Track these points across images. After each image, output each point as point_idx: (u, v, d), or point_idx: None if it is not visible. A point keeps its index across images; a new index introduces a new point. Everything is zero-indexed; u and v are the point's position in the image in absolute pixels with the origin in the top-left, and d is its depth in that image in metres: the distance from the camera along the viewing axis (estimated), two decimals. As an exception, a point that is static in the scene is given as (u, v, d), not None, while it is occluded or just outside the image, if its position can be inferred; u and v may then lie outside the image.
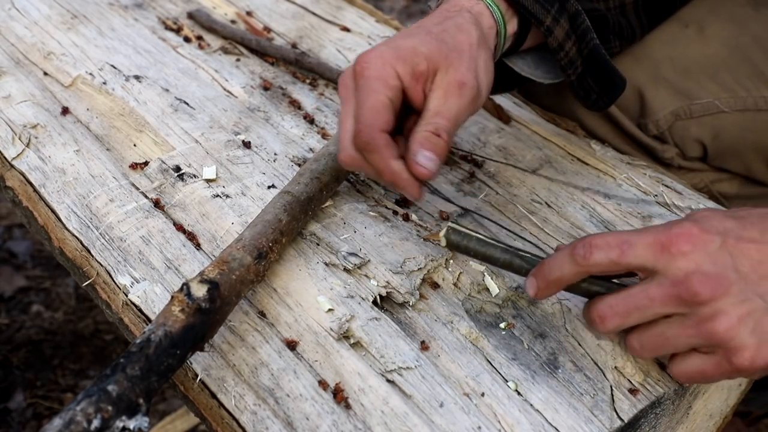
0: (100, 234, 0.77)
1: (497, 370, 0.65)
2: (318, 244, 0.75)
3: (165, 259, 0.74)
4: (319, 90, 0.99)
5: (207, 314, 0.60)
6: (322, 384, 0.63)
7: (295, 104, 0.96)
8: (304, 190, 0.74)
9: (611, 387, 0.64)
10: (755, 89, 0.91)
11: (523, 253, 0.66)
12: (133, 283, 0.72)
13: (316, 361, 0.65)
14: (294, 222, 0.72)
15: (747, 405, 1.43)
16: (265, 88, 0.98)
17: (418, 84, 0.69)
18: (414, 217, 0.79)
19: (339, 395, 0.62)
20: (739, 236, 0.58)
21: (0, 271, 1.70)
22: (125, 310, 0.71)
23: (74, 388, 1.49)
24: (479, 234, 0.67)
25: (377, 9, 1.20)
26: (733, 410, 0.77)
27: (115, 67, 0.99)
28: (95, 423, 0.51)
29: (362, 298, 0.70)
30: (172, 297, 0.60)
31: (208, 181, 0.82)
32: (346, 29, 1.12)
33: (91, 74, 0.98)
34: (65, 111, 0.92)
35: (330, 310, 0.68)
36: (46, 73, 0.98)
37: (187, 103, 0.94)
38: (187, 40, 1.07)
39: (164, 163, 0.85)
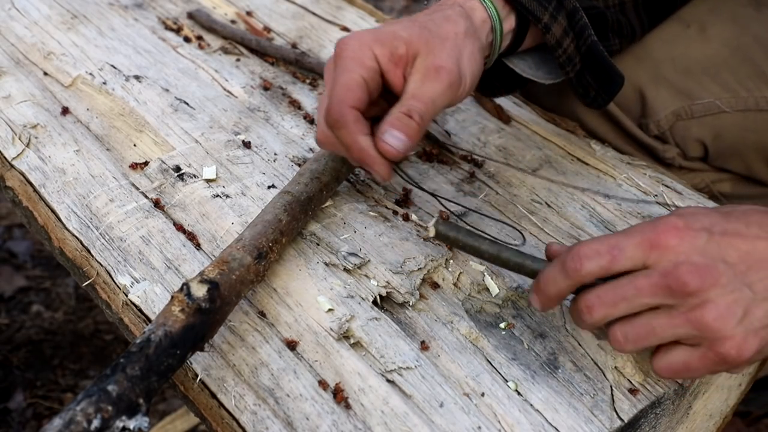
0: (100, 234, 0.77)
1: (497, 370, 0.65)
2: (318, 244, 0.75)
3: (165, 259, 0.74)
4: (319, 90, 0.99)
5: (207, 314, 0.60)
6: (322, 384, 0.63)
7: (295, 104, 0.96)
8: (304, 190, 0.74)
9: (611, 387, 0.64)
10: (756, 89, 0.91)
11: (510, 246, 0.66)
12: (133, 283, 0.72)
13: (316, 361, 0.65)
14: (294, 222, 0.72)
15: (747, 405, 1.43)
16: (265, 88, 0.98)
17: (397, 68, 0.69)
18: (414, 217, 0.79)
19: (339, 395, 0.62)
20: (724, 229, 0.58)
21: (0, 271, 1.70)
22: (125, 310, 0.71)
23: (74, 388, 1.49)
24: (468, 226, 0.67)
25: (377, 9, 1.20)
26: (733, 410, 0.77)
27: (115, 67, 0.99)
28: (95, 423, 0.51)
29: (362, 298, 0.70)
30: (172, 297, 0.60)
31: (208, 181, 0.82)
32: (346, 29, 1.12)
33: (91, 74, 0.98)
34: (65, 111, 0.92)
35: (330, 310, 0.68)
36: (46, 73, 0.98)
37: (187, 103, 0.94)
38: (187, 40, 1.07)
39: (164, 163, 0.85)
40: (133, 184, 0.82)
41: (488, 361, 0.66)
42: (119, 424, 0.53)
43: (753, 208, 0.61)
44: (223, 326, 0.67)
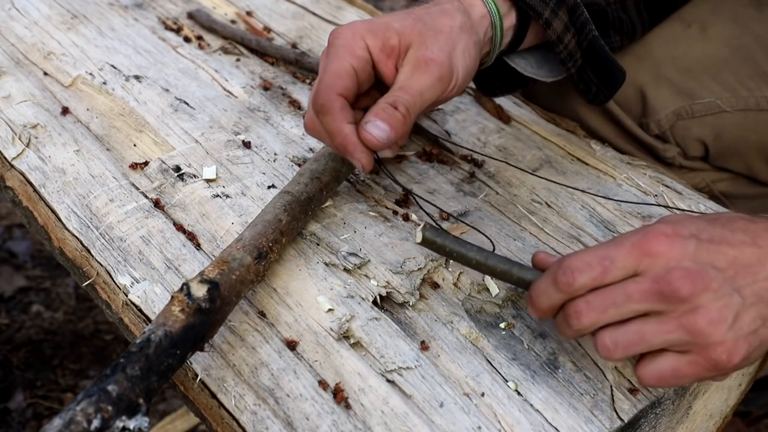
0: (100, 234, 0.77)
1: (497, 370, 0.65)
2: (318, 244, 0.75)
3: (165, 259, 0.74)
4: (319, 90, 0.99)
5: (207, 314, 0.60)
6: (322, 384, 0.63)
7: (295, 104, 0.96)
8: (304, 190, 0.74)
9: (611, 387, 0.64)
10: (757, 89, 0.91)
11: (496, 254, 0.66)
12: (133, 283, 0.72)
13: (316, 361, 0.65)
14: (294, 222, 0.72)
15: (747, 405, 1.43)
16: (265, 88, 0.98)
17: (389, 59, 0.69)
18: (414, 217, 0.79)
19: (339, 395, 0.62)
20: (711, 236, 0.58)
21: (0, 271, 1.70)
22: (125, 310, 0.71)
23: (74, 388, 1.49)
24: (454, 234, 0.67)
25: (377, 9, 1.20)
26: (733, 410, 0.77)
27: (115, 67, 0.99)
28: (95, 423, 0.51)
29: (362, 298, 0.70)
30: (172, 297, 0.60)
31: (208, 181, 0.82)
32: (346, 29, 1.12)
33: (91, 74, 0.98)
34: (65, 111, 0.91)
35: (330, 310, 0.68)
36: (46, 73, 0.98)
37: (187, 103, 0.94)
38: (187, 40, 1.07)
39: (164, 163, 0.85)
40: (133, 184, 0.82)
41: (488, 361, 0.66)
42: (119, 424, 0.53)
43: (737, 215, 0.62)
44: (223, 326, 0.67)
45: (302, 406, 0.62)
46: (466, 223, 0.77)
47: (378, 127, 0.67)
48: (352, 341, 0.66)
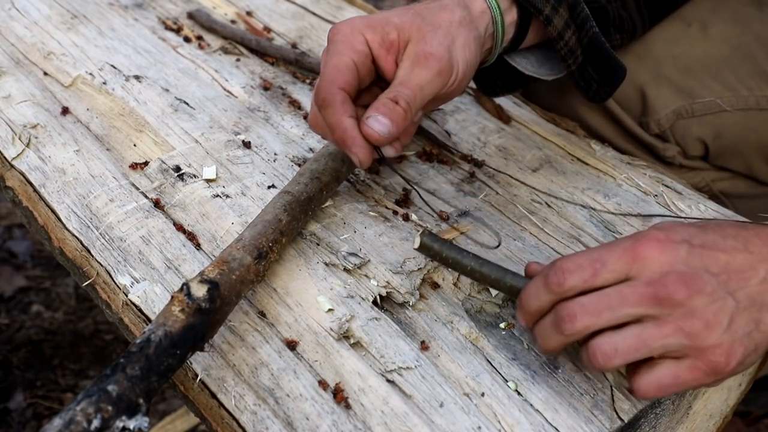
0: (100, 234, 0.77)
1: (497, 370, 0.65)
2: (318, 244, 0.75)
3: (165, 259, 0.74)
4: (319, 90, 0.99)
5: (207, 314, 0.60)
6: (322, 384, 0.63)
7: (295, 104, 0.96)
8: (304, 190, 0.74)
9: (611, 387, 0.64)
10: (757, 88, 0.91)
11: (491, 263, 0.66)
12: (133, 283, 0.72)
13: (316, 361, 0.65)
14: (294, 222, 0.72)
15: (747, 405, 1.43)
16: (265, 88, 0.98)
17: (389, 54, 0.70)
18: (414, 217, 0.79)
19: (339, 395, 0.62)
20: (703, 241, 0.58)
21: (0, 271, 1.70)
22: (125, 310, 0.71)
23: (74, 388, 1.49)
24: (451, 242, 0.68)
25: (377, 9, 1.20)
26: (733, 410, 0.77)
27: (115, 67, 0.99)
28: (95, 423, 0.51)
29: (362, 298, 0.70)
30: (172, 297, 0.60)
31: (208, 181, 0.82)
32: (346, 29, 1.12)
33: (91, 74, 0.98)
34: (65, 111, 0.91)
35: (330, 310, 0.68)
36: (46, 73, 0.98)
37: (187, 103, 0.94)
38: (187, 40, 1.07)
39: (164, 163, 0.85)
40: (133, 184, 0.82)
41: (488, 361, 0.66)
42: (119, 424, 0.53)
43: (727, 221, 0.62)
44: (223, 326, 0.67)
45: (302, 406, 0.62)
46: (460, 230, 0.77)
47: (379, 121, 0.67)
48: (352, 341, 0.66)
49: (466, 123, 0.95)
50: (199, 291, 0.60)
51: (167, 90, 0.96)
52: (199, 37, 1.07)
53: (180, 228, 0.77)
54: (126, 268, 0.73)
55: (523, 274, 0.67)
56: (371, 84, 0.73)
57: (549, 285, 0.59)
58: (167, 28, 1.09)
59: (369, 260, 0.73)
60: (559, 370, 0.65)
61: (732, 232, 0.59)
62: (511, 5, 0.76)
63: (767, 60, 0.92)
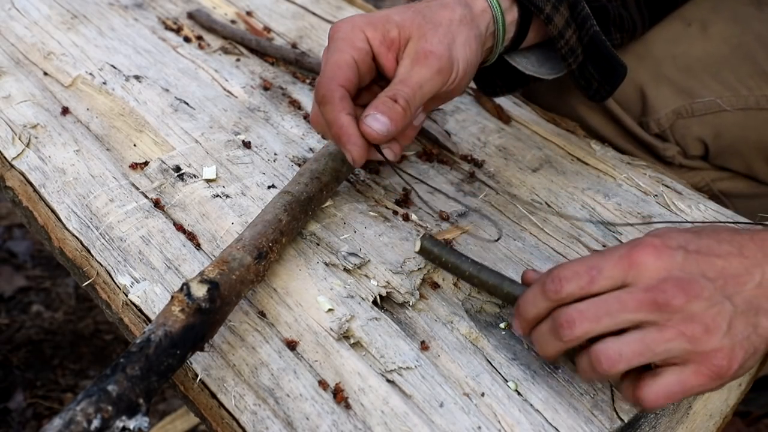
0: (100, 234, 0.77)
1: (497, 370, 0.65)
2: (318, 244, 0.75)
3: (165, 259, 0.74)
4: (319, 90, 0.99)
5: (207, 314, 0.60)
6: (322, 384, 0.63)
7: (295, 104, 0.96)
8: (304, 190, 0.74)
9: (611, 387, 0.64)
10: (757, 88, 0.91)
11: (489, 269, 0.67)
12: (133, 283, 0.72)
13: (316, 361, 0.65)
14: (294, 222, 0.72)
15: (747, 405, 1.43)
16: (265, 88, 0.98)
17: (389, 52, 0.70)
18: (414, 217, 0.79)
19: (339, 395, 0.62)
20: (698, 247, 0.59)
21: (0, 271, 1.70)
22: (125, 310, 0.71)
23: (74, 388, 1.49)
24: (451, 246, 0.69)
25: (377, 9, 1.20)
26: (733, 410, 0.77)
27: (115, 67, 0.99)
28: (95, 423, 0.51)
29: (362, 298, 0.70)
30: (172, 297, 0.60)
31: (208, 181, 0.82)
32: (346, 29, 1.12)
33: (91, 74, 0.98)
34: (65, 111, 0.91)
35: (330, 310, 0.68)
36: (46, 73, 0.98)
37: (187, 103, 0.94)
38: (187, 40, 1.07)
39: (164, 163, 0.85)
40: (133, 184, 0.82)
41: (488, 361, 0.66)
42: (119, 424, 0.53)
43: (721, 226, 0.62)
44: (223, 326, 0.67)
45: (302, 406, 0.62)
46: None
47: (378, 120, 0.67)
48: (352, 341, 0.66)
49: (466, 123, 0.95)
50: (199, 291, 0.60)
51: (167, 90, 0.96)
52: (199, 37, 1.07)
53: (180, 228, 0.77)
54: (126, 268, 0.73)
55: (521, 278, 0.68)
56: (371, 83, 0.73)
57: (546, 293, 0.59)
58: (167, 28, 1.09)
59: (369, 260, 0.73)
60: (559, 370, 0.65)
61: (727, 237, 0.60)
62: (511, 4, 0.76)
63: (767, 60, 0.92)
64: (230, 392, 0.63)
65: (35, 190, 0.82)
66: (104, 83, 0.96)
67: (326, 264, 0.73)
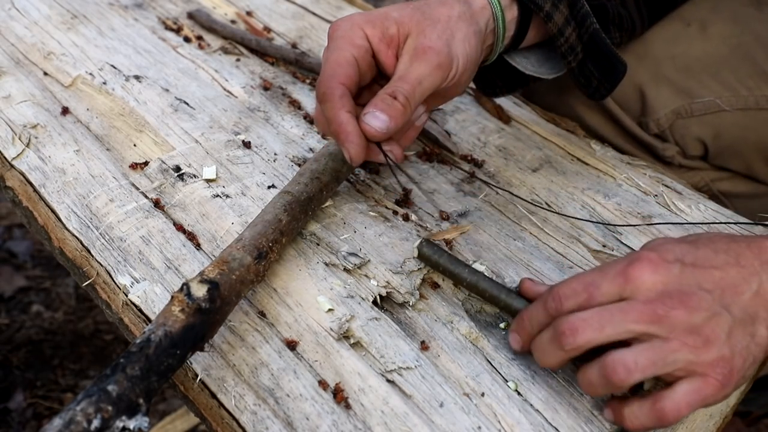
0: (100, 234, 0.77)
1: (497, 370, 0.65)
2: (318, 244, 0.75)
3: (165, 259, 0.74)
4: (319, 90, 0.99)
5: (207, 314, 0.60)
6: (322, 384, 0.63)
7: (295, 104, 0.96)
8: (304, 190, 0.74)
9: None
10: (757, 88, 0.91)
11: (487, 278, 0.68)
12: (133, 283, 0.72)
13: (316, 361, 0.65)
14: (294, 222, 0.72)
15: (747, 405, 1.43)
16: (265, 88, 0.98)
17: (389, 48, 0.70)
18: (414, 217, 0.79)
19: (339, 395, 0.62)
20: (695, 258, 0.59)
21: (0, 271, 1.70)
22: (125, 310, 0.71)
23: (74, 388, 1.49)
24: (450, 252, 0.69)
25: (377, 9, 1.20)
26: (733, 410, 0.77)
27: (115, 67, 0.99)
28: (95, 423, 0.51)
29: (362, 298, 0.70)
30: (172, 297, 0.60)
31: (208, 181, 0.82)
32: (346, 29, 1.12)
33: (91, 74, 0.98)
34: (65, 111, 0.91)
35: (330, 310, 0.68)
36: (46, 73, 0.98)
37: (187, 103, 0.94)
38: (187, 40, 1.07)
39: (164, 163, 0.85)
40: (133, 184, 0.82)
41: (488, 361, 0.66)
42: (119, 424, 0.53)
43: (717, 235, 0.62)
44: (223, 326, 0.67)
45: (302, 406, 0.62)
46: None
47: (377, 117, 0.67)
48: (352, 341, 0.66)
49: (466, 123, 0.95)
50: (199, 291, 0.60)
51: (167, 90, 0.96)
52: (199, 37, 1.07)
53: (180, 228, 0.77)
54: (126, 268, 0.73)
55: (518, 286, 0.69)
56: (372, 82, 0.73)
57: (549, 310, 0.61)
58: (167, 28, 1.09)
59: (369, 260, 0.73)
60: (560, 370, 0.65)
61: (723, 247, 0.60)
62: (511, 2, 0.76)
63: (766, 60, 0.92)
64: (230, 392, 0.63)
65: (35, 190, 0.82)
66: (104, 83, 0.96)
67: (326, 264, 0.73)
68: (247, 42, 1.05)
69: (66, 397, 1.48)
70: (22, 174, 0.84)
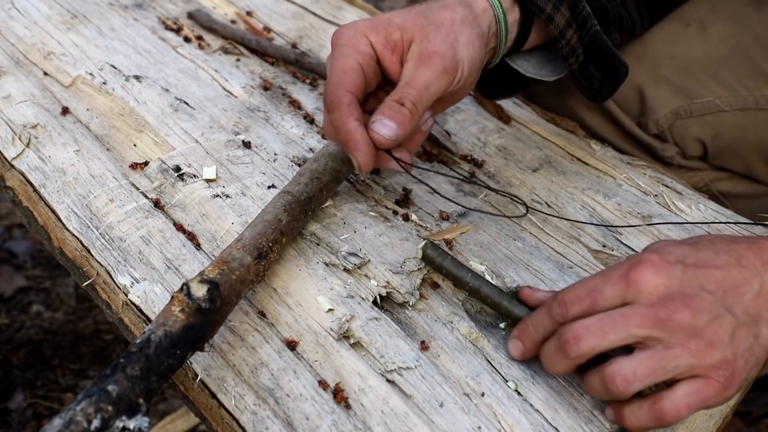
0: (100, 234, 0.77)
1: (497, 370, 0.65)
2: (318, 244, 0.75)
3: (165, 259, 0.74)
4: (319, 90, 0.99)
5: (207, 314, 0.60)
6: (322, 384, 0.63)
7: (295, 104, 0.96)
8: (304, 190, 0.74)
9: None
10: (756, 88, 0.91)
11: (490, 284, 0.68)
12: (133, 283, 0.72)
13: (316, 361, 0.65)
14: (294, 222, 0.72)
15: (747, 405, 1.43)
16: (265, 88, 0.98)
17: (393, 54, 0.70)
18: (414, 217, 0.79)
19: (339, 395, 0.62)
20: (696, 260, 0.59)
21: (0, 271, 1.70)
22: (125, 310, 0.71)
23: (74, 388, 1.49)
24: (453, 256, 0.70)
25: (377, 9, 1.20)
26: (733, 410, 0.77)
27: (115, 67, 0.99)
28: (95, 423, 0.51)
29: (362, 298, 0.70)
30: (172, 297, 0.60)
31: (208, 181, 0.82)
32: (346, 29, 1.12)
33: (91, 74, 0.98)
34: (65, 111, 0.92)
35: (330, 310, 0.68)
36: (46, 73, 0.98)
37: (187, 103, 0.94)
38: (187, 40, 1.07)
39: (164, 163, 0.85)
40: (133, 184, 0.82)
41: (488, 361, 0.66)
42: (119, 424, 0.53)
43: (718, 236, 0.63)
44: (223, 326, 0.67)
45: (302, 406, 0.62)
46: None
47: (385, 125, 0.67)
48: (352, 341, 0.66)
49: (466, 123, 0.95)
50: (199, 291, 0.60)
51: (167, 90, 0.96)
52: (199, 37, 1.07)
53: (180, 228, 0.77)
54: (126, 268, 0.73)
55: (518, 294, 0.69)
56: (377, 88, 0.73)
57: (554, 316, 0.61)
58: (167, 28, 1.09)
59: (369, 260, 0.73)
60: (559, 370, 0.65)
61: (725, 248, 0.60)
62: (513, 4, 0.76)
63: (766, 60, 0.92)
64: (230, 392, 0.63)
65: (35, 190, 0.82)
66: (104, 83, 0.96)
67: (326, 264, 0.73)
68: (247, 42, 1.05)
69: (66, 397, 1.48)
70: (22, 174, 0.84)
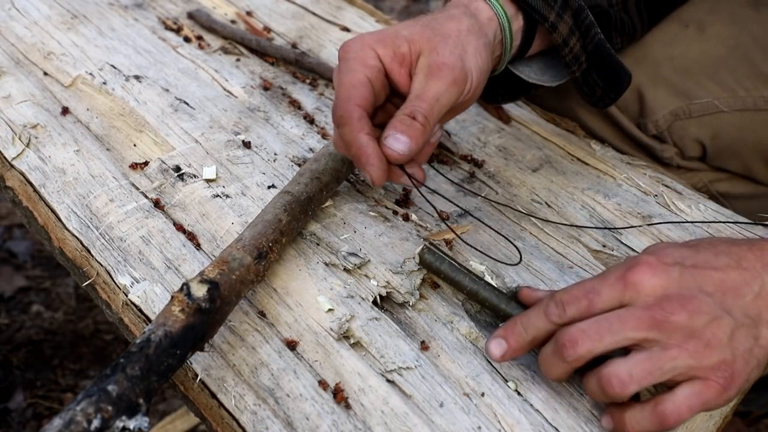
0: (100, 234, 0.77)
1: (497, 370, 0.65)
2: (318, 244, 0.75)
3: (165, 259, 0.74)
4: (319, 90, 0.99)
5: (207, 314, 0.60)
6: (322, 384, 0.63)
7: (295, 104, 0.96)
8: (304, 190, 0.74)
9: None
10: (755, 89, 0.92)
11: (489, 286, 0.68)
12: (133, 283, 0.72)
13: (316, 361, 0.65)
14: (294, 222, 0.72)
15: (747, 405, 1.43)
16: (265, 88, 0.98)
17: (401, 67, 0.69)
18: (414, 217, 0.79)
19: (339, 395, 0.62)
20: (695, 261, 0.59)
21: (0, 271, 1.70)
22: (125, 310, 0.71)
23: (74, 388, 1.49)
24: (452, 260, 0.69)
25: (377, 9, 1.20)
26: (733, 410, 0.77)
27: (115, 67, 0.99)
28: (95, 423, 0.51)
29: (362, 298, 0.70)
30: (172, 297, 0.60)
31: (208, 181, 0.82)
32: (346, 29, 1.12)
33: (91, 74, 0.98)
34: (65, 111, 0.92)
35: (330, 310, 0.68)
36: (46, 73, 0.98)
37: (187, 103, 0.94)
38: (187, 40, 1.07)
39: (164, 163, 0.85)
40: (133, 184, 0.82)
41: (488, 361, 0.66)
42: (119, 424, 0.53)
43: (719, 239, 0.62)
44: (223, 326, 0.67)
45: (302, 406, 0.62)
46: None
47: (398, 140, 0.66)
48: (352, 341, 0.66)
49: (466, 123, 0.95)
50: (199, 291, 0.60)
51: (167, 90, 0.96)
52: (199, 37, 1.07)
53: (180, 228, 0.77)
54: (126, 268, 0.73)
55: (517, 294, 0.69)
56: (386, 101, 0.72)
57: (549, 316, 0.60)
58: (167, 28, 1.09)
59: (369, 260, 0.73)
60: (559, 370, 0.65)
61: (725, 249, 0.60)
62: (517, 12, 0.76)
63: (764, 61, 0.92)
64: (230, 392, 0.63)
65: (35, 190, 0.82)
66: (104, 83, 0.96)
67: (326, 264, 0.73)
68: (247, 42, 1.05)
69: (66, 397, 1.48)
70: (22, 174, 0.84)
